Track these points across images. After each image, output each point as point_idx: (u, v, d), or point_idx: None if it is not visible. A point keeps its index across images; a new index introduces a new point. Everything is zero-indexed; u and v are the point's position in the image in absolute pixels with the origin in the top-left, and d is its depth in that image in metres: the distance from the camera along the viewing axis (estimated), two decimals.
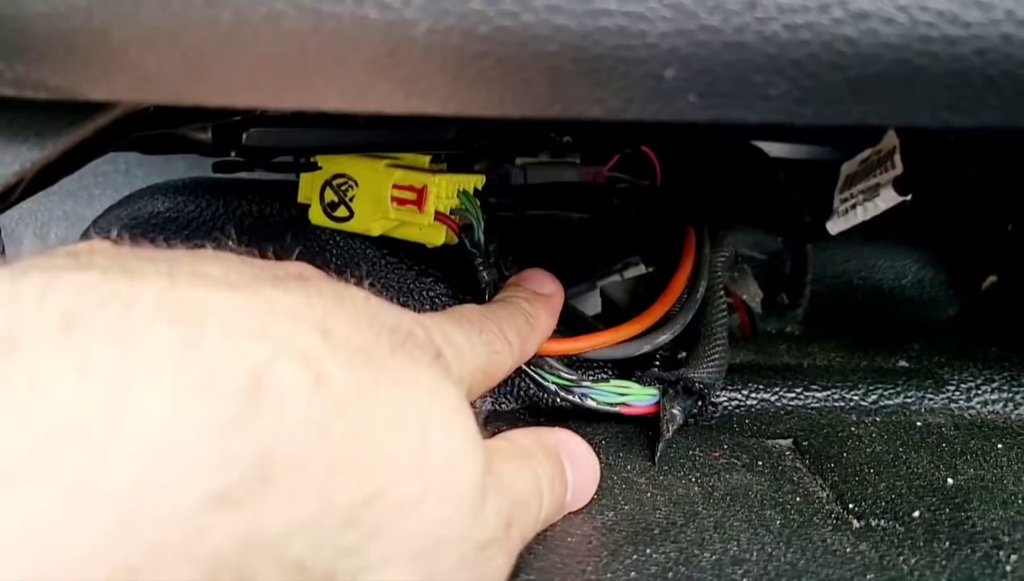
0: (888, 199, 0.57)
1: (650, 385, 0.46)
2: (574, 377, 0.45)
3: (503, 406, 0.51)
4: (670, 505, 0.37)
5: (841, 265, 0.75)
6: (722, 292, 0.55)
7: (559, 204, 0.62)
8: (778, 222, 0.68)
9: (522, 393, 0.50)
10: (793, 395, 0.52)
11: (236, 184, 0.50)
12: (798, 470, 0.42)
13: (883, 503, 0.37)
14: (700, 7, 0.19)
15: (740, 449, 0.44)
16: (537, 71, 0.20)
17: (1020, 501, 0.36)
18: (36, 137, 0.24)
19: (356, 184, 0.42)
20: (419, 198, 0.41)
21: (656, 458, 0.42)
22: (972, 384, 0.52)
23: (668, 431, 0.43)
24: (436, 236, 0.43)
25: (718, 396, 0.49)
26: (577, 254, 0.65)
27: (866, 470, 0.41)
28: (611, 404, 0.46)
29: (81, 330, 0.17)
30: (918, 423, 0.48)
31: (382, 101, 0.21)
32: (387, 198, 0.41)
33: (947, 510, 0.36)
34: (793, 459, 0.44)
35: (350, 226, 0.42)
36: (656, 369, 0.48)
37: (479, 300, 0.44)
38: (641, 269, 0.62)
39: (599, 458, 0.41)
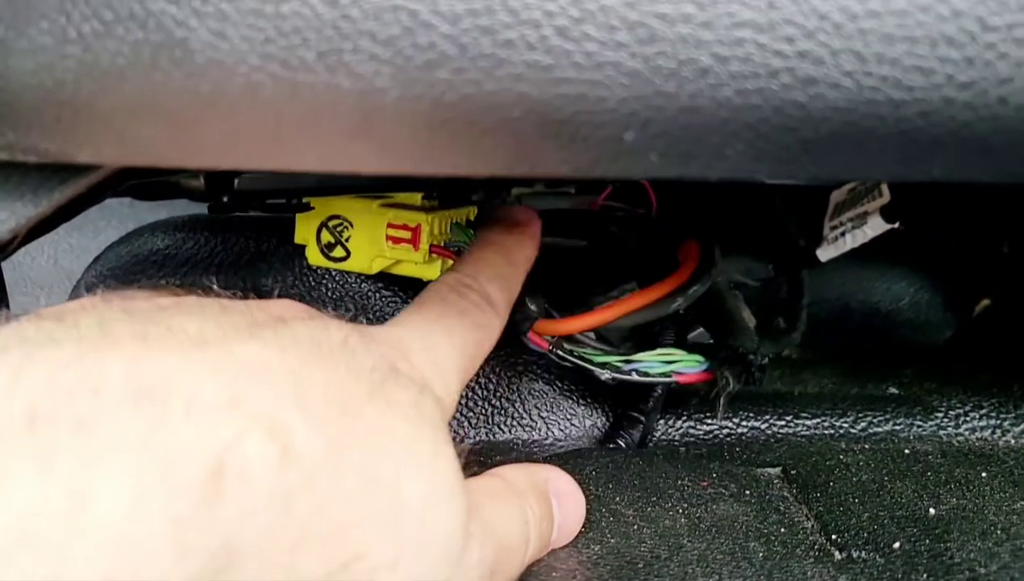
0: (876, 227, 0.58)
1: (694, 352, 0.46)
2: (618, 352, 0.45)
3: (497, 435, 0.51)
4: (655, 538, 0.38)
5: (838, 288, 0.76)
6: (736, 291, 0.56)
7: (555, 232, 0.63)
8: (772, 248, 0.69)
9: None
10: (783, 423, 0.53)
11: (234, 221, 0.51)
12: (785, 499, 0.43)
13: (865, 534, 0.38)
14: (655, 75, 0.20)
15: (729, 478, 0.45)
16: (503, 134, 0.21)
17: (999, 532, 0.37)
18: (31, 195, 0.25)
19: (351, 225, 0.43)
20: (414, 237, 0.42)
21: (718, 416, 0.42)
22: (960, 411, 0.52)
23: (726, 392, 0.43)
24: (432, 271, 0.44)
25: (760, 366, 0.48)
26: (575, 280, 0.66)
27: (851, 499, 0.42)
28: (664, 374, 0.46)
29: (47, 425, 0.18)
30: (906, 450, 0.48)
31: (358, 162, 0.22)
32: (382, 238, 0.42)
33: (927, 541, 0.36)
34: (781, 488, 0.44)
35: (348, 266, 0.43)
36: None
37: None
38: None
39: (588, 489, 0.42)
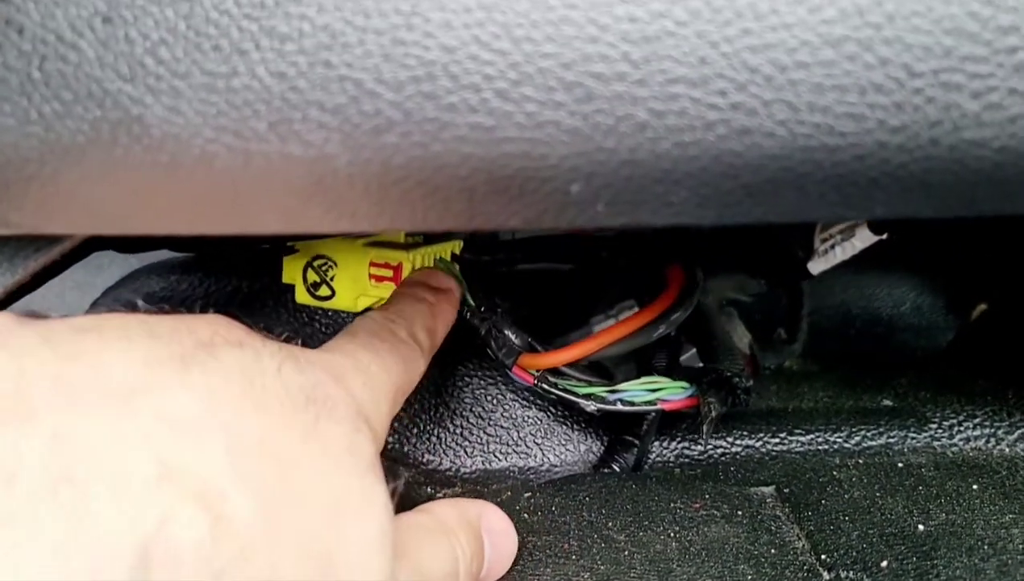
0: (864, 239, 0.58)
1: (679, 379, 0.47)
2: (603, 382, 0.46)
3: (494, 464, 0.52)
4: (646, 564, 0.38)
5: (840, 296, 0.76)
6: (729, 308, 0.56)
7: (548, 257, 0.64)
8: (766, 262, 0.69)
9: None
10: (777, 440, 0.53)
11: (226, 262, 0.52)
12: (777, 519, 0.43)
13: (854, 553, 0.38)
14: (595, 131, 0.20)
15: (721, 498, 0.45)
16: (453, 192, 0.21)
17: (985, 547, 0.37)
18: (7, 264, 0.26)
19: (335, 264, 0.43)
20: (396, 274, 0.43)
21: (703, 442, 0.42)
22: (954, 421, 0.52)
23: (710, 419, 0.43)
24: None
25: (746, 389, 0.48)
26: (571, 302, 0.66)
27: (842, 517, 0.42)
28: (648, 402, 0.46)
29: None
30: (899, 464, 0.48)
31: (315, 224, 0.22)
32: (366, 277, 0.43)
33: (914, 559, 0.37)
34: (774, 507, 0.45)
35: (334, 305, 0.44)
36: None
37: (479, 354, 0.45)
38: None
39: (582, 516, 0.43)
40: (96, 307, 0.53)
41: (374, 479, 0.27)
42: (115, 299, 0.52)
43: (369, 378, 0.31)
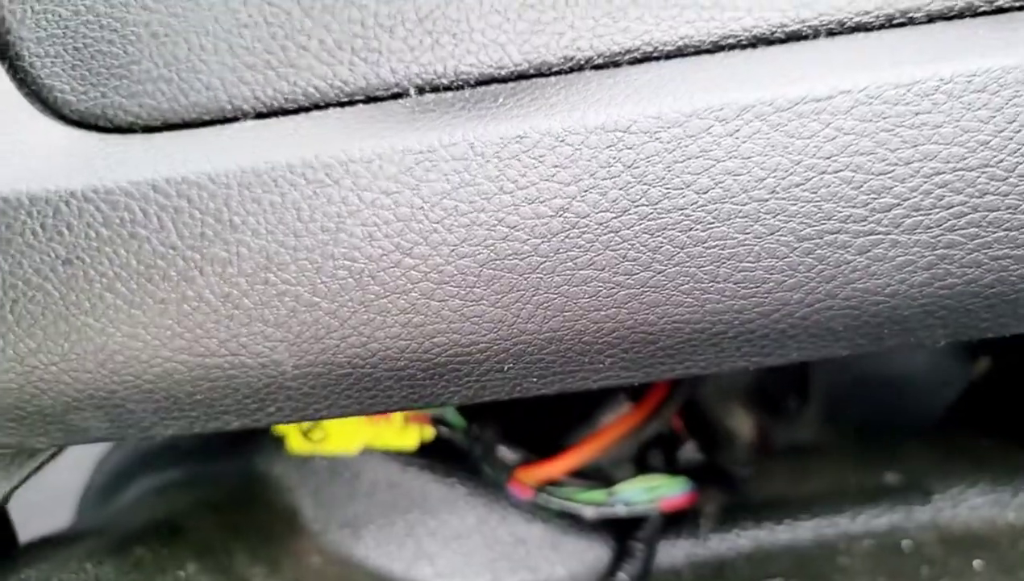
0: None
1: (676, 475, 0.47)
2: (601, 486, 0.46)
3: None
4: None
5: (853, 358, 0.76)
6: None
7: None
8: None
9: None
10: (783, 527, 0.53)
11: None
12: None
13: None
14: (517, 318, 0.22)
15: None
16: (395, 380, 0.23)
17: None
18: (3, 472, 0.28)
19: None
20: None
21: (703, 537, 0.43)
22: (957, 490, 0.52)
23: (708, 512, 0.44)
24: (410, 439, 0.46)
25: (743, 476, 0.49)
26: (565, 405, 0.67)
27: None
28: (648, 502, 0.47)
29: None
30: (904, 544, 0.48)
31: (275, 418, 0.24)
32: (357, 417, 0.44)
33: None
34: None
35: (328, 448, 0.45)
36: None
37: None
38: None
39: None
40: (104, 463, 0.55)
41: None
42: (122, 454, 0.54)
43: None
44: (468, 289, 0.22)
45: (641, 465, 0.55)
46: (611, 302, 0.22)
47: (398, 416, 0.45)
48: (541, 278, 0.22)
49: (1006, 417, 0.63)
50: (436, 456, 0.51)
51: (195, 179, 0.22)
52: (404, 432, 0.46)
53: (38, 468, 0.31)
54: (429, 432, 0.47)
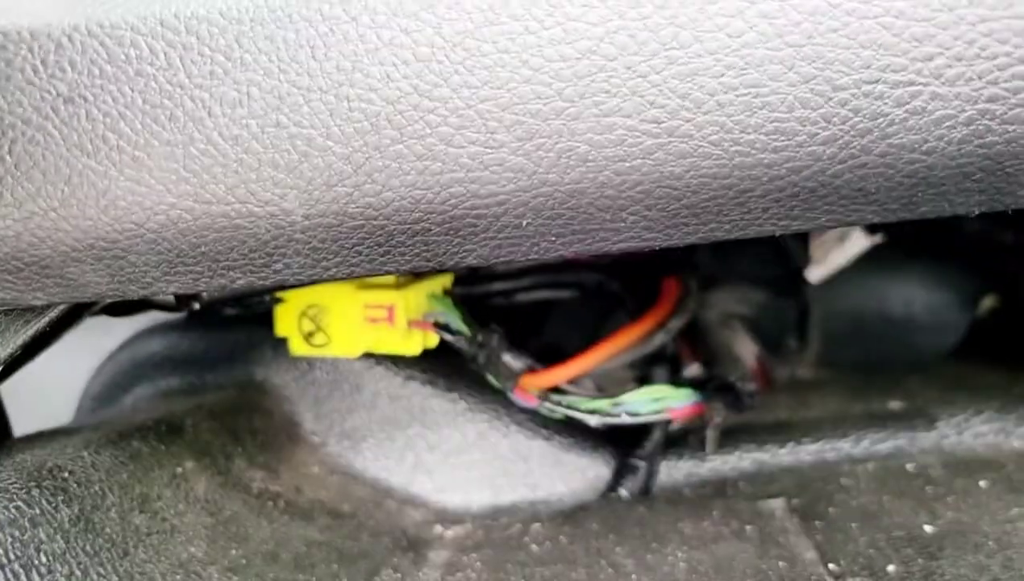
0: (858, 243, 0.58)
1: (681, 387, 0.47)
2: (606, 397, 0.46)
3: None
4: None
5: (852, 300, 0.76)
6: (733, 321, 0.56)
7: (542, 286, 0.64)
8: (768, 271, 0.69)
9: None
10: (786, 451, 0.53)
11: (225, 318, 0.53)
12: (786, 532, 0.43)
13: (862, 559, 0.38)
14: (538, 166, 0.21)
15: (731, 515, 0.45)
16: (408, 235, 0.22)
17: (991, 544, 0.37)
18: (0, 338, 0.27)
19: (329, 311, 0.44)
20: (390, 315, 0.44)
21: (708, 451, 0.42)
22: (962, 417, 0.52)
23: (714, 422, 0.44)
24: (414, 345, 0.46)
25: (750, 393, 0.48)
26: (570, 329, 0.66)
27: (850, 525, 0.42)
28: (654, 412, 0.46)
29: None
30: (908, 466, 0.48)
31: (283, 275, 0.23)
32: (360, 320, 0.44)
33: (920, 561, 0.36)
34: (783, 520, 0.45)
35: (330, 351, 0.45)
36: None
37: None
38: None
39: (591, 544, 0.43)
40: (101, 374, 0.55)
41: None
42: (119, 363, 0.53)
43: None
44: (489, 134, 0.21)
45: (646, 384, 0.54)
46: (637, 152, 0.21)
47: (401, 321, 0.44)
48: (565, 124, 0.21)
49: (1009, 353, 0.63)
50: (438, 363, 0.50)
51: (206, 14, 0.21)
52: (407, 337, 0.45)
53: (32, 348, 0.30)
54: (432, 339, 0.47)
